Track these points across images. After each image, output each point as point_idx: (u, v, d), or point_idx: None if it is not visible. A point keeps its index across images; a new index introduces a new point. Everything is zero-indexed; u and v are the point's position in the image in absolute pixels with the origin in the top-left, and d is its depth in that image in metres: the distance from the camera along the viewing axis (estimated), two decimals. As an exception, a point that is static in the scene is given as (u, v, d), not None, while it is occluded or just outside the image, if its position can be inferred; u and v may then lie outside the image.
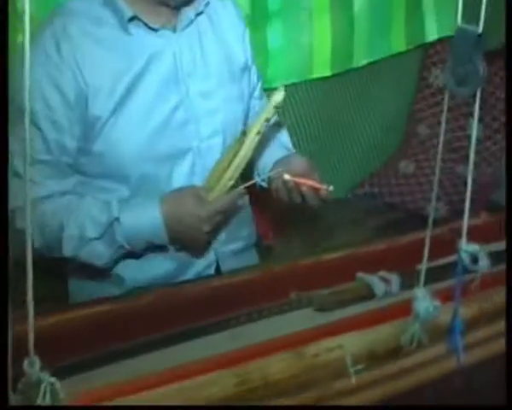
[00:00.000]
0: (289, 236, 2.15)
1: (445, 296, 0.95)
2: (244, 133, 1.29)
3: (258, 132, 1.28)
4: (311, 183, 1.31)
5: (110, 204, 1.26)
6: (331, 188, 1.31)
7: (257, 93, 1.56)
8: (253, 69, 1.53)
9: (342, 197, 2.49)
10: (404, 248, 1.37)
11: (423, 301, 0.81)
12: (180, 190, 1.30)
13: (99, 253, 1.28)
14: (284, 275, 1.25)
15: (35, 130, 1.22)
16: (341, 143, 2.49)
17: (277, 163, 1.39)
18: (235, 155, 1.28)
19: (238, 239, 1.48)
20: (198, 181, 1.35)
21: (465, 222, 0.78)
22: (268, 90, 2.09)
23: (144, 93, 1.28)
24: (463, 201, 0.81)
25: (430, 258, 0.89)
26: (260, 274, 1.26)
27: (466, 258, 0.77)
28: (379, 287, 1.18)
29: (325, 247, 2.06)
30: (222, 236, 1.43)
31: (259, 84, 1.58)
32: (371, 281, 1.18)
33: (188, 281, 1.34)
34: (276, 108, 1.27)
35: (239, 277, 1.25)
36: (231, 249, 1.46)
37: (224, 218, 1.32)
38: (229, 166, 1.29)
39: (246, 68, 1.48)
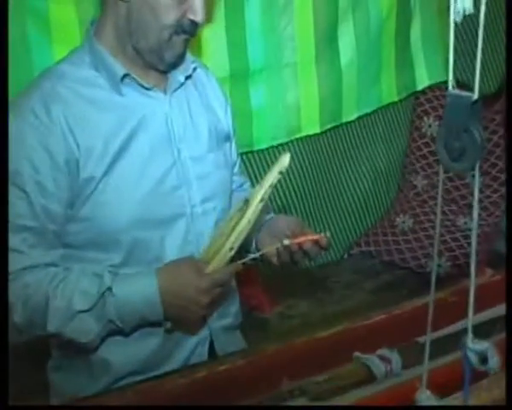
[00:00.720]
0: (284, 306, 2.15)
1: (452, 379, 0.91)
2: (246, 202, 1.28)
3: (262, 200, 1.27)
4: (310, 237, 1.32)
5: (102, 274, 1.25)
6: (328, 234, 1.34)
7: (236, 169, 1.58)
8: (234, 145, 1.55)
9: (337, 259, 2.47)
10: (405, 318, 1.35)
11: (428, 402, 0.77)
12: (177, 261, 1.29)
13: (87, 328, 1.24)
14: (276, 359, 1.22)
15: (21, 193, 1.22)
16: (333, 201, 2.48)
17: (265, 229, 1.40)
18: (236, 225, 1.28)
19: (228, 315, 1.47)
20: (192, 247, 1.35)
21: (470, 316, 0.74)
22: (253, 153, 2.15)
23: (136, 155, 1.30)
24: (466, 255, 0.77)
25: (434, 326, 0.85)
26: (251, 360, 1.22)
27: (473, 357, 0.73)
28: (378, 368, 1.16)
29: (321, 315, 2.07)
30: (213, 313, 1.41)
31: (238, 161, 1.60)
32: (370, 362, 1.15)
33: (170, 373, 1.29)
34: (281, 173, 1.29)
35: (228, 363, 1.21)
36: (222, 325, 1.45)
37: (223, 291, 1.30)
38: (229, 236, 1.28)
39: (228, 139, 1.50)
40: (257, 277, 2.19)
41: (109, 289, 1.23)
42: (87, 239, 1.30)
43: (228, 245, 1.27)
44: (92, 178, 1.26)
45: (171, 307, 1.25)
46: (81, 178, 1.26)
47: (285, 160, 1.29)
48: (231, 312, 1.49)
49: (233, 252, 1.27)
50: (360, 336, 1.27)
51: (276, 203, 2.22)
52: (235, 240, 1.26)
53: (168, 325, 1.29)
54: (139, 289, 1.24)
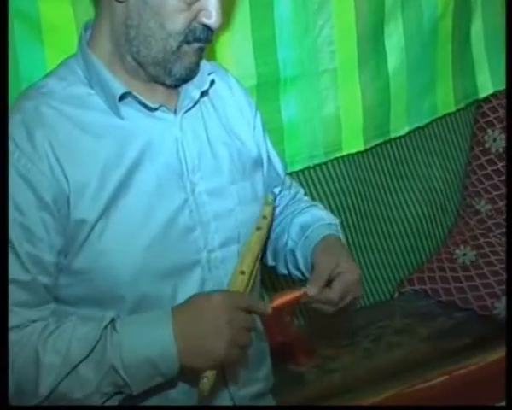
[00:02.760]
0: (322, 357, 2.10)
1: None
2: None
3: (259, 228, 1.37)
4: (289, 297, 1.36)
5: (103, 317, 1.21)
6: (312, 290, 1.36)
7: (286, 182, 1.62)
8: (275, 159, 1.57)
9: (385, 300, 2.43)
10: (472, 378, 1.27)
11: None
12: (193, 297, 1.26)
13: (82, 378, 1.16)
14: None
15: None
16: (380, 229, 2.44)
17: (320, 254, 1.42)
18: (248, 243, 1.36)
19: (256, 381, 1.45)
20: None
21: None
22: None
23: (140, 191, 1.26)
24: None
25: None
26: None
27: None
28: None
29: (367, 369, 2.02)
30: (238, 377, 1.39)
31: (284, 174, 1.62)
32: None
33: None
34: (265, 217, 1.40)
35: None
36: (250, 393, 1.42)
37: (244, 328, 1.23)
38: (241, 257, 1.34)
39: (258, 165, 1.47)
40: (291, 322, 2.15)
41: (112, 322, 1.18)
42: (83, 294, 1.25)
43: (238, 267, 1.30)
44: (85, 221, 1.20)
45: (188, 347, 1.18)
46: (72, 219, 1.20)
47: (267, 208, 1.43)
48: (260, 377, 1.46)
49: (246, 277, 1.29)
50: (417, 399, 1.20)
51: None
52: (243, 262, 1.31)
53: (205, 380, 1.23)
54: (150, 331, 1.18)
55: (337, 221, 1.55)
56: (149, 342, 1.16)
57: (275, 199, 1.53)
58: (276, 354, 1.87)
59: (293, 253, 1.50)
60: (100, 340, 1.16)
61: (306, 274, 1.47)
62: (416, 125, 2.36)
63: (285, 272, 1.56)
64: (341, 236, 1.52)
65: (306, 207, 1.57)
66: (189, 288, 1.29)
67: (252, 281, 1.34)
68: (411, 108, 2.31)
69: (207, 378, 1.19)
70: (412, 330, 2.22)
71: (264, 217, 1.39)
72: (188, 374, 1.24)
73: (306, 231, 1.48)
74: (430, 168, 2.51)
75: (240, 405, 1.40)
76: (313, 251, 1.41)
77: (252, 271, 1.33)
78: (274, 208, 1.51)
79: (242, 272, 1.29)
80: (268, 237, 1.51)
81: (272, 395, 1.53)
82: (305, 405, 1.86)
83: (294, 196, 1.61)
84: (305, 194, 2.18)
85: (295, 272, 1.52)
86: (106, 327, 1.18)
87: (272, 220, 1.49)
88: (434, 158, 2.51)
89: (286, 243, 1.52)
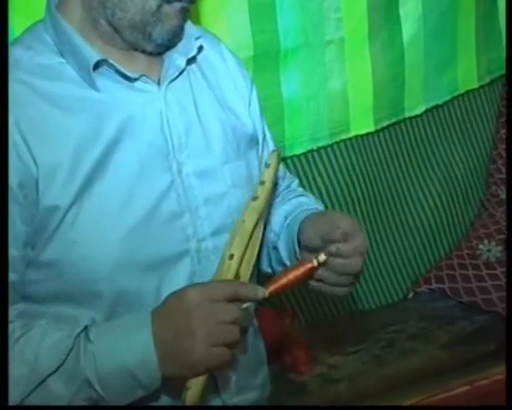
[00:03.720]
0: (326, 365, 2.10)
1: None
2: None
3: (254, 198, 1.30)
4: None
5: (76, 323, 1.19)
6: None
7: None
8: (269, 140, 1.55)
9: (398, 300, 2.43)
10: (494, 390, 1.27)
11: None
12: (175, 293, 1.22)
13: (54, 393, 1.15)
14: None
15: None
16: (393, 222, 2.44)
17: (308, 223, 1.36)
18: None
19: (251, 389, 1.44)
20: None
21: None
22: (285, 160, 2.11)
23: (118, 173, 1.24)
24: None
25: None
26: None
27: None
28: None
29: (378, 379, 2.02)
30: (230, 384, 1.38)
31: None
32: None
33: None
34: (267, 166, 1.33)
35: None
36: (244, 401, 1.41)
37: (229, 322, 1.17)
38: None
39: (253, 143, 1.46)
40: (291, 325, 2.17)
41: (86, 329, 1.17)
42: (54, 291, 1.23)
43: (227, 252, 1.26)
44: (57, 208, 1.18)
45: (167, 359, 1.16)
46: (42, 206, 1.19)
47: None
48: (256, 384, 1.46)
49: (234, 261, 1.25)
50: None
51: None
52: (232, 244, 1.26)
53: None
54: (128, 338, 1.16)
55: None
56: (127, 350, 1.15)
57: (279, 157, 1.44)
58: (274, 361, 1.88)
59: (275, 247, 1.49)
60: (72, 349, 1.15)
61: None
62: (433, 103, 2.36)
63: (268, 270, 1.54)
64: None
65: (293, 197, 1.57)
66: (175, 282, 1.26)
67: (247, 267, 1.31)
68: (429, 84, 2.31)
69: (190, 389, 1.18)
70: (429, 335, 2.22)
71: (262, 183, 1.32)
72: (175, 385, 1.23)
73: (287, 220, 1.47)
74: (450, 152, 2.51)
75: (239, 405, 1.41)
76: (299, 230, 1.37)
77: (244, 253, 1.29)
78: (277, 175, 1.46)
79: (231, 256, 1.25)
80: (269, 212, 1.48)
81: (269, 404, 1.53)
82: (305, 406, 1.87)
83: (288, 187, 1.60)
84: (308, 181, 2.21)
85: (278, 268, 1.50)
86: (79, 335, 1.16)
87: (275, 188, 1.45)
88: (455, 141, 2.52)
89: (268, 238, 1.50)
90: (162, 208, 1.26)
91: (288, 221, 1.46)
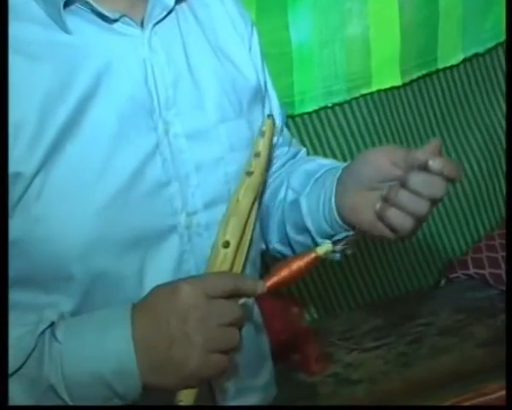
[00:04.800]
0: (342, 363, 2.12)
1: None
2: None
3: (249, 173, 1.33)
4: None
5: (42, 316, 1.17)
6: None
7: (283, 137, 1.57)
8: (272, 97, 1.55)
9: (428, 288, 2.46)
10: None
11: None
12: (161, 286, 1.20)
13: (14, 397, 1.14)
14: None
15: None
16: None
17: (345, 180, 1.34)
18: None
19: (252, 391, 1.46)
20: None
21: None
22: (293, 119, 2.12)
23: (93, 134, 1.23)
24: None
25: None
26: None
27: None
28: None
29: (403, 380, 2.03)
30: (228, 387, 1.41)
31: (283, 126, 1.58)
32: None
33: None
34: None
35: None
36: (246, 404, 1.44)
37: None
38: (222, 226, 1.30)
39: (257, 98, 1.46)
40: (300, 316, 2.18)
41: (52, 326, 1.16)
42: (17, 274, 1.23)
43: (221, 238, 1.27)
44: (19, 176, 1.18)
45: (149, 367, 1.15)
46: None
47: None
48: (258, 386, 1.48)
49: (231, 250, 1.27)
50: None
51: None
52: (227, 228, 1.29)
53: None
54: (102, 338, 1.15)
55: None
56: (100, 354, 1.14)
57: (274, 125, 1.43)
58: (281, 358, 1.87)
59: (294, 204, 1.47)
60: (34, 350, 1.14)
61: (312, 230, 1.42)
62: (473, 51, 2.37)
63: (278, 247, 1.54)
64: None
65: (310, 160, 1.57)
66: (161, 264, 1.29)
67: (241, 255, 1.32)
68: (468, 29, 2.32)
69: (183, 402, 1.18)
70: (465, 329, 2.22)
71: (257, 154, 1.35)
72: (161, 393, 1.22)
73: (315, 175, 1.45)
74: (493, 111, 2.52)
75: (239, 405, 1.44)
76: (339, 180, 1.35)
77: (240, 239, 1.30)
78: (274, 145, 1.47)
79: (226, 244, 1.27)
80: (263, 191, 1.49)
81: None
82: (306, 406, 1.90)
83: (294, 156, 1.60)
84: (321, 144, 2.22)
85: (295, 237, 1.49)
86: (43, 332, 1.15)
87: (270, 160, 1.46)
88: (499, 97, 2.52)
89: (283, 199, 1.50)
90: (145, 176, 1.26)
91: (317, 175, 1.45)
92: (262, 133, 1.35)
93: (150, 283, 1.24)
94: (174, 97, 1.31)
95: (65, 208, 1.20)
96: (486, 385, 1.32)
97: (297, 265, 1.20)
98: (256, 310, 1.50)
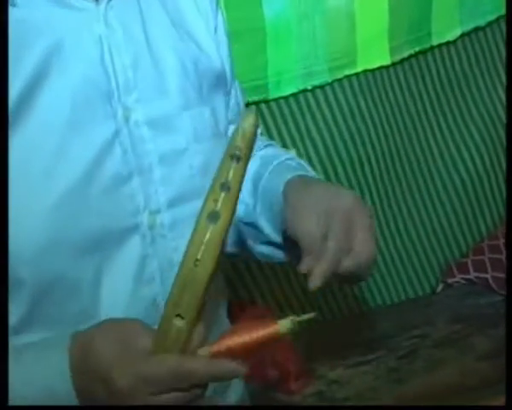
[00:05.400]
0: (325, 380, 2.12)
1: None
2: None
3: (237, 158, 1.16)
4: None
5: None
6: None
7: None
8: (236, 88, 1.59)
9: (424, 295, 2.47)
10: None
11: None
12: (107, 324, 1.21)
13: None
14: None
15: None
16: (416, 186, 2.47)
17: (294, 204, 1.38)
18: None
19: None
20: (154, 291, 1.33)
21: None
22: (268, 104, 2.15)
23: (42, 122, 1.24)
24: None
25: None
26: None
27: None
28: None
29: (395, 398, 2.02)
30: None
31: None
32: None
33: None
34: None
35: None
36: None
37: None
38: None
39: (222, 82, 1.49)
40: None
41: None
42: None
43: (171, 309, 1.16)
44: None
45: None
46: None
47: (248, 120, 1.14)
48: (228, 403, 1.49)
49: (185, 325, 1.15)
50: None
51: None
52: (198, 247, 1.13)
53: None
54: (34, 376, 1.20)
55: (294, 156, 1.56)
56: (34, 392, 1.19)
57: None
58: (255, 375, 1.88)
59: (252, 225, 1.51)
60: None
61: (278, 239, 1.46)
62: (472, 25, 2.38)
63: (261, 248, 1.55)
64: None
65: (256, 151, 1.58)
66: (121, 268, 1.30)
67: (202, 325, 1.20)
68: (463, 6, 2.33)
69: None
70: (464, 341, 2.23)
71: (226, 185, 1.13)
72: None
73: (258, 186, 1.49)
74: (494, 92, 2.53)
75: (239, 405, 1.44)
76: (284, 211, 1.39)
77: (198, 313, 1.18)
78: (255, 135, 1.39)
79: (180, 317, 1.15)
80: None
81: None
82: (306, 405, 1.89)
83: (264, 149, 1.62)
84: (299, 132, 2.21)
85: (259, 248, 1.53)
86: None
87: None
88: (501, 76, 2.53)
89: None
90: (103, 169, 1.27)
91: (262, 183, 1.50)
92: (243, 132, 1.15)
93: (108, 290, 1.30)
94: (134, 80, 1.33)
95: (13, 206, 1.21)
96: (488, 402, 1.31)
97: (251, 336, 1.15)
98: (225, 320, 1.50)
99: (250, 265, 2.26)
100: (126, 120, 1.30)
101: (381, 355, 2.18)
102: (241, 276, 2.25)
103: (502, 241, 2.49)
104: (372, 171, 2.34)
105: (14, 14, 1.23)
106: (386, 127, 2.35)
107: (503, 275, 2.40)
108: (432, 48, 2.35)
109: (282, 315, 1.32)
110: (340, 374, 2.13)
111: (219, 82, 1.48)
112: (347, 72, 2.21)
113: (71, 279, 1.27)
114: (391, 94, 2.35)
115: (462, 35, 2.38)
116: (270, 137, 2.15)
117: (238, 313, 1.96)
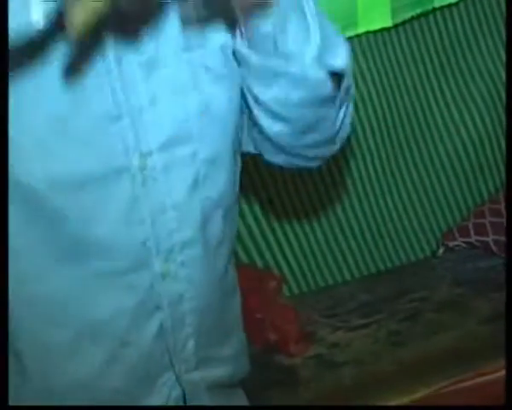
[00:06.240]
0: (326, 343, 2.12)
1: None
2: None
3: None
4: None
5: None
6: None
7: None
8: None
9: (424, 258, 2.47)
10: None
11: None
12: None
13: None
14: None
15: None
16: (418, 151, 2.47)
17: None
18: None
19: (218, 361, 1.45)
20: (144, 233, 1.31)
21: None
22: None
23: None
24: None
25: None
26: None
27: None
28: None
29: (395, 361, 2.02)
30: (188, 354, 1.39)
31: None
32: None
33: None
34: None
35: None
36: (207, 378, 1.42)
37: None
38: None
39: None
40: (278, 290, 2.18)
41: None
42: None
43: None
44: None
45: None
46: None
47: None
48: (225, 355, 1.46)
49: None
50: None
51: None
52: None
53: None
54: None
55: None
56: None
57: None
58: (256, 338, 1.87)
59: None
60: None
61: None
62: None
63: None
64: None
65: None
66: (109, 209, 1.30)
67: None
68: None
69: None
70: (465, 304, 2.23)
71: None
72: None
73: None
74: (498, 57, 2.51)
75: (238, 405, 1.43)
76: None
77: None
78: None
79: None
80: None
81: (245, 392, 1.53)
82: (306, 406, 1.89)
83: None
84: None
85: None
86: None
87: None
88: (503, 38, 2.49)
89: None
90: (91, 107, 1.26)
91: None
92: None
93: (98, 230, 1.29)
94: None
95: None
96: (486, 365, 1.30)
97: None
98: (231, 271, 1.49)
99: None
100: (118, 62, 1.27)
101: (381, 319, 2.18)
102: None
103: (503, 205, 2.47)
104: (373, 134, 2.33)
105: None
106: (388, 91, 2.35)
107: (503, 238, 2.41)
108: (434, 10, 2.33)
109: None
110: (339, 337, 2.14)
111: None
112: (348, 33, 2.17)
113: (57, 218, 1.29)
114: (393, 57, 2.35)
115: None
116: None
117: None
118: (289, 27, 1.30)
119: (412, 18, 2.31)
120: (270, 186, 2.32)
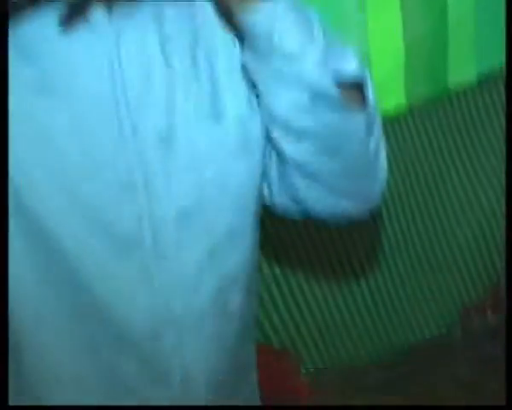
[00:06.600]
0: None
1: None
2: None
3: None
4: None
5: None
6: None
7: None
8: None
9: (441, 334, 2.48)
10: None
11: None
12: None
13: None
14: None
15: None
16: (433, 228, 2.49)
17: None
18: None
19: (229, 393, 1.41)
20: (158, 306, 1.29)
21: None
22: None
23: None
24: None
25: None
26: None
27: None
28: None
29: None
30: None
31: None
32: None
33: None
34: None
35: None
36: None
37: None
38: None
39: None
40: (294, 370, 2.20)
41: None
42: None
43: None
44: None
45: None
46: None
47: None
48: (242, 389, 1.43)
49: None
50: None
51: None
52: None
53: None
54: None
55: None
56: None
57: None
58: (269, 388, 1.89)
59: None
60: None
61: None
62: (488, 70, 2.36)
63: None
64: None
65: None
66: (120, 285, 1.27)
67: None
68: (482, 43, 2.34)
69: None
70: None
71: None
72: None
73: None
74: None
75: (239, 405, 1.43)
76: None
77: None
78: None
79: None
80: None
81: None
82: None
83: None
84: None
85: None
86: None
87: None
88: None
89: None
90: (104, 175, 1.25)
91: None
92: None
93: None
94: (148, 99, 1.28)
95: None
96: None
97: None
98: (248, 346, 1.51)
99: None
100: (134, 133, 1.27)
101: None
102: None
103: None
104: (389, 214, 2.36)
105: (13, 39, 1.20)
106: (404, 172, 2.37)
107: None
108: (449, 93, 2.35)
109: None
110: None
111: None
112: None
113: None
114: (409, 139, 2.38)
115: (480, 79, 2.37)
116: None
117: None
118: (289, 27, 1.28)
119: (427, 101, 2.30)
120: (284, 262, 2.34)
